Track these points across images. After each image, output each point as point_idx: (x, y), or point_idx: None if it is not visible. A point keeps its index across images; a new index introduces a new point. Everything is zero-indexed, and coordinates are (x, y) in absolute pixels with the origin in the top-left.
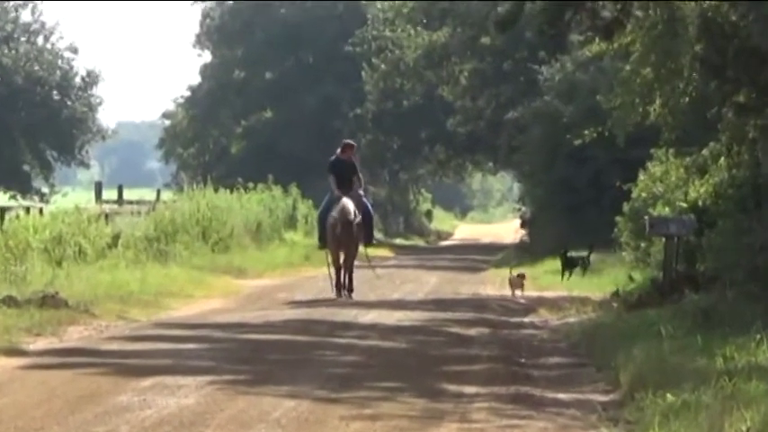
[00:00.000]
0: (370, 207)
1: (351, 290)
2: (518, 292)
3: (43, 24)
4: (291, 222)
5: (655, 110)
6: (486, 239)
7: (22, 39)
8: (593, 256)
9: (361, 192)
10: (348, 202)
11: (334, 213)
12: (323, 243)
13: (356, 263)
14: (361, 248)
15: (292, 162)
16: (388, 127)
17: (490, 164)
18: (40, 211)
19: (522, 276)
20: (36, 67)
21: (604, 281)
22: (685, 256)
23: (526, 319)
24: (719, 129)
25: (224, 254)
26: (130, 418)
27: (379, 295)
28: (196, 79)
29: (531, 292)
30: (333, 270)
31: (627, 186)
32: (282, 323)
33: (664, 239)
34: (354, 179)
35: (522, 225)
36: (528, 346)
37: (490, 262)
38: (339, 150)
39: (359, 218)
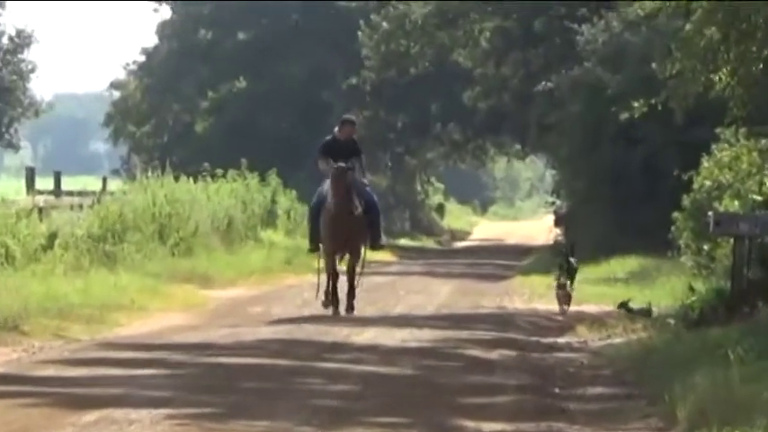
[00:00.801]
0: (375, 199)
1: (352, 305)
2: (564, 308)
3: None
4: (270, 219)
5: (721, 79)
6: (511, 240)
7: None
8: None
9: (365, 180)
10: (348, 189)
11: (330, 203)
12: (314, 245)
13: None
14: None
15: (271, 144)
16: (391, 101)
17: (517, 146)
18: None
19: (563, 286)
20: None
21: (659, 292)
22: (759, 261)
23: (561, 340)
24: None
25: (186, 258)
26: None
27: (378, 309)
28: (152, 41)
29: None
30: (324, 277)
31: (687, 175)
32: (258, 344)
33: (732, 241)
34: (356, 163)
35: (557, 223)
36: (563, 372)
37: (517, 268)
38: (337, 129)
39: (360, 209)
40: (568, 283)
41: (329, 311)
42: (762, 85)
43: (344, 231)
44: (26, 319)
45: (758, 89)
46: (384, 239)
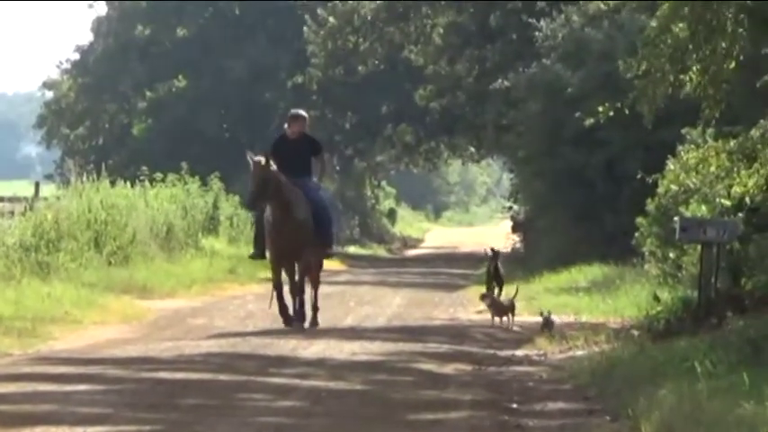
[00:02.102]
0: (326, 202)
1: (304, 316)
2: (505, 320)
3: None
4: (212, 225)
5: (692, 79)
6: (466, 248)
7: None
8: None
9: (316, 179)
10: (266, 185)
11: (270, 207)
12: (258, 251)
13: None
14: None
15: (213, 146)
16: (339, 100)
17: (472, 149)
18: None
19: (487, 297)
20: None
21: (623, 302)
22: (728, 270)
23: (519, 352)
24: None
25: (123, 267)
26: None
27: (326, 320)
28: (87, 38)
29: (525, 317)
30: (276, 291)
31: (652, 178)
32: (200, 358)
33: (699, 248)
34: (315, 162)
35: (515, 229)
36: (521, 387)
37: (472, 277)
38: (286, 126)
39: (305, 213)
40: (497, 291)
41: (290, 325)
42: (732, 84)
43: (285, 237)
44: None
45: (729, 88)
46: (332, 248)
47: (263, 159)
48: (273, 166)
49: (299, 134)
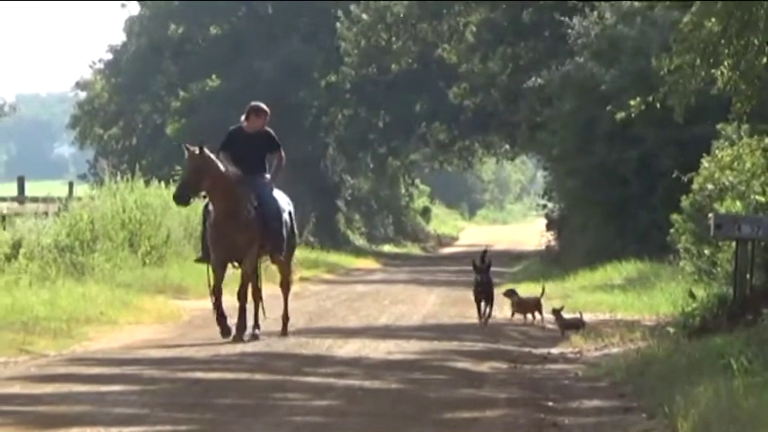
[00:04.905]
0: (280, 202)
1: (284, 329)
2: (530, 317)
3: None
4: None
5: (723, 74)
6: (500, 246)
7: None
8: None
9: (267, 177)
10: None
11: (213, 207)
12: (205, 254)
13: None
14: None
15: None
16: (372, 99)
17: (506, 146)
18: None
19: (512, 293)
20: None
21: (658, 299)
22: (764, 266)
23: (554, 350)
24: None
25: (158, 267)
26: None
27: (361, 319)
28: (120, 38)
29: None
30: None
31: (687, 176)
32: (236, 357)
33: (734, 244)
34: (272, 159)
35: (549, 227)
36: (557, 385)
37: (507, 275)
38: (243, 117)
39: (252, 213)
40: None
41: (227, 336)
42: (765, 80)
43: (229, 238)
44: None
45: (762, 83)
46: (283, 254)
47: (196, 149)
48: (213, 158)
49: (257, 129)
